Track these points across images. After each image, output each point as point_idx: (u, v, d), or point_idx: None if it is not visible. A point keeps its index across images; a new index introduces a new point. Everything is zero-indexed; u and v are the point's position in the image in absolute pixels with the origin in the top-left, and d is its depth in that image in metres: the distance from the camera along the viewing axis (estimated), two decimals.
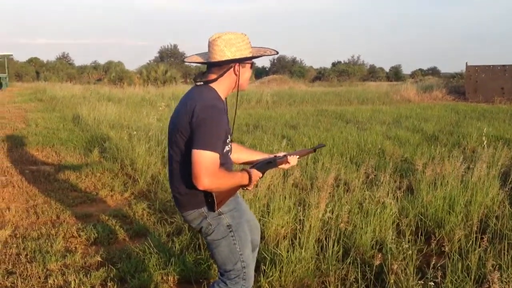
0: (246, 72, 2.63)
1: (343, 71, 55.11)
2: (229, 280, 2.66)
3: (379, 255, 3.51)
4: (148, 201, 5.78)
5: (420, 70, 64.42)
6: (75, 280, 3.68)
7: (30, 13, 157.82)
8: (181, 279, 3.79)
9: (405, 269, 3.53)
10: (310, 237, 3.96)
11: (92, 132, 10.79)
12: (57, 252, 4.26)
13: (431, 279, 3.29)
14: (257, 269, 3.51)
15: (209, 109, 2.44)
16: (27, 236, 4.69)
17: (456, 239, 4.10)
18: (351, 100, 22.89)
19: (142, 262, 3.98)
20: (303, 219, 4.18)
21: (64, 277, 3.77)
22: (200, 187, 2.39)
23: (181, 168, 2.54)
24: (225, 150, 2.57)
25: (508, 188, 5.33)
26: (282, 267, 3.69)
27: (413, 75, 56.43)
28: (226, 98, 2.68)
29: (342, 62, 65.53)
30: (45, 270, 3.91)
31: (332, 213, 4.35)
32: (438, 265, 3.53)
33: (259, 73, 56.64)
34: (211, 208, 2.53)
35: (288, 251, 3.79)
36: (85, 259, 4.14)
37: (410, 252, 3.69)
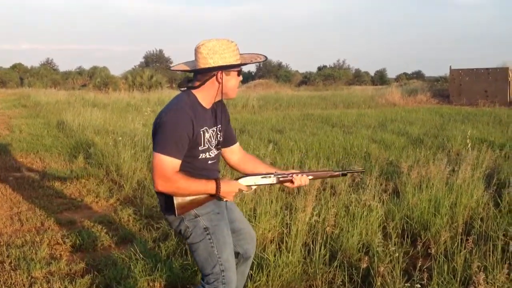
0: (231, 80, 2.58)
1: (329, 75, 55.28)
2: (208, 285, 2.63)
3: (366, 258, 3.52)
4: (134, 207, 5.74)
5: (405, 74, 64.89)
6: None
7: (13, 19, 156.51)
8: (167, 285, 3.77)
9: (391, 271, 3.55)
10: (297, 241, 3.96)
11: (77, 138, 10.70)
12: (42, 259, 4.20)
13: (418, 281, 3.30)
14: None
15: (172, 112, 2.48)
16: (11, 243, 4.62)
17: (442, 241, 4.12)
18: (336, 104, 22.99)
19: (128, 268, 3.95)
20: (290, 223, 4.18)
21: (49, 284, 3.72)
22: (155, 189, 2.47)
23: None
24: (200, 157, 2.58)
25: (493, 190, 5.38)
26: (269, 271, 3.68)
27: (398, 79, 56.86)
28: (216, 104, 2.68)
29: (328, 66, 65.78)
30: (29, 278, 3.86)
31: (319, 217, 4.35)
32: (424, 267, 3.55)
33: (245, 78, 56.60)
34: (172, 212, 2.53)
35: (275, 255, 3.79)
36: (70, 266, 4.09)
37: (396, 254, 3.70)
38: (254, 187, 2.73)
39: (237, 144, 2.91)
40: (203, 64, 2.51)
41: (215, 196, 2.59)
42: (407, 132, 11.74)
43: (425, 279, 3.31)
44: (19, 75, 53.72)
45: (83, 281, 3.76)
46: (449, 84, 25.99)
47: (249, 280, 3.60)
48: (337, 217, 4.50)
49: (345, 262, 3.84)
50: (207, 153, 2.62)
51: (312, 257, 3.90)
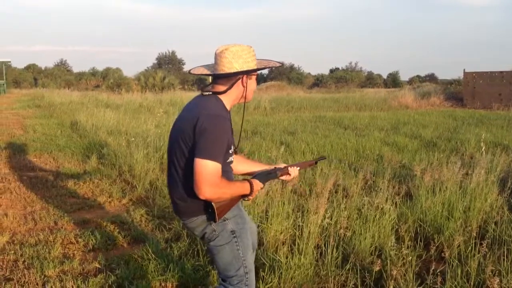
0: (252, 84, 2.67)
1: (341, 78, 55.16)
2: (232, 286, 2.65)
3: (379, 261, 3.50)
4: (146, 207, 5.76)
5: (418, 76, 64.56)
6: (73, 287, 3.66)
7: (28, 20, 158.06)
8: (179, 285, 3.77)
9: (404, 275, 3.53)
10: (309, 243, 3.94)
11: (90, 139, 10.78)
12: (55, 258, 4.24)
13: (431, 285, 3.29)
14: (256, 275, 3.49)
15: (213, 118, 2.46)
16: (24, 242, 4.66)
17: (455, 245, 4.09)
18: (349, 107, 22.92)
19: (141, 268, 3.97)
20: (302, 225, 4.17)
21: (62, 283, 3.75)
22: (201, 197, 2.40)
23: (185, 175, 2.54)
24: (228, 160, 2.59)
25: (507, 194, 5.33)
26: (281, 273, 3.68)
27: (410, 81, 56.62)
28: (244, 107, 2.74)
29: (340, 68, 65.69)
30: (42, 277, 3.89)
31: (331, 219, 4.34)
32: (438, 271, 3.52)
33: (257, 80, 56.64)
34: (212, 218, 2.52)
35: (287, 257, 3.78)
36: (83, 266, 4.12)
37: (409, 258, 3.67)
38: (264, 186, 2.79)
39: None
40: (228, 69, 2.54)
41: (245, 197, 2.63)
42: (420, 135, 11.67)
43: (438, 283, 3.29)
44: (33, 76, 54.30)
45: (95, 280, 3.78)
46: (463, 87, 25.80)
47: (261, 282, 3.60)
48: (350, 220, 4.48)
49: (358, 265, 3.82)
50: (232, 156, 2.66)
51: (324, 259, 3.88)
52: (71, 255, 4.39)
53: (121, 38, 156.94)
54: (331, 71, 65.26)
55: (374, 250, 4.16)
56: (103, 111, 15.06)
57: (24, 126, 14.19)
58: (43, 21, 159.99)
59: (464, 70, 25.47)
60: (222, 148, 2.45)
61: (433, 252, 4.07)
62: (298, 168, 2.97)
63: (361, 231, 4.26)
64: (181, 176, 2.57)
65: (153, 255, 4.12)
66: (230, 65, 2.54)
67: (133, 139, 8.90)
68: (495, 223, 4.67)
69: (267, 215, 4.54)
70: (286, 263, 3.73)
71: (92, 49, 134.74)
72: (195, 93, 33.27)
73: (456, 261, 3.71)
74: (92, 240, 4.69)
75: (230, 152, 2.59)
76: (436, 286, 3.29)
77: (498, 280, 3.13)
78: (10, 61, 45.92)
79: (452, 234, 4.44)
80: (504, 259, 3.64)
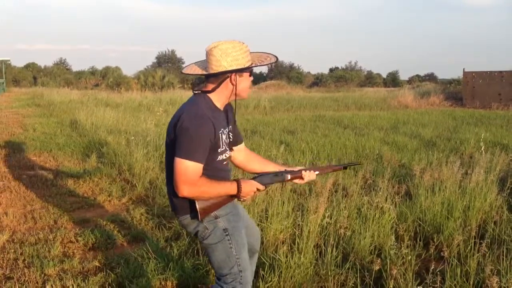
0: (244, 81, 2.60)
1: (341, 77, 55.12)
2: (226, 284, 2.64)
3: (378, 261, 3.51)
4: (146, 206, 5.77)
5: (417, 76, 64.54)
6: (73, 286, 3.66)
7: (28, 19, 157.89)
8: (179, 284, 3.78)
9: (404, 274, 3.54)
10: (309, 242, 3.95)
11: (90, 137, 10.78)
12: (55, 257, 4.24)
13: (430, 284, 3.29)
14: (256, 274, 3.50)
15: (194, 118, 2.45)
16: (24, 241, 4.67)
17: (455, 244, 4.10)
18: (348, 106, 22.92)
19: (141, 267, 3.97)
20: (302, 224, 4.17)
21: (62, 282, 3.75)
22: (179, 195, 2.44)
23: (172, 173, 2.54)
24: (218, 159, 2.58)
25: (506, 194, 5.34)
26: (281, 272, 3.68)
27: (410, 81, 56.61)
28: (227, 105, 2.71)
29: (340, 68, 65.60)
30: (42, 275, 3.89)
31: (331, 218, 4.35)
32: (437, 270, 3.53)
33: (256, 79, 56.62)
34: (195, 216, 2.52)
35: (286, 256, 3.78)
36: (83, 264, 4.12)
37: (409, 257, 3.68)
38: (267, 187, 2.74)
39: (243, 143, 2.93)
40: (216, 67, 2.51)
41: (235, 197, 2.60)
42: (420, 134, 11.68)
43: (438, 282, 3.29)
44: (32, 74, 54.20)
45: (95, 279, 3.79)
46: (462, 87, 25.81)
47: (260, 281, 3.61)
48: (349, 219, 4.49)
49: (357, 264, 3.83)
50: (224, 155, 2.63)
51: (324, 258, 3.89)
52: (71, 254, 4.40)
53: (121, 37, 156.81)
54: (331, 70, 65.21)
55: (373, 249, 4.17)
56: (103, 110, 15.06)
57: (23, 125, 14.18)
58: (42, 20, 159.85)
59: (463, 69, 25.50)
60: (202, 148, 2.44)
61: (432, 251, 4.07)
62: (317, 172, 2.88)
63: (360, 230, 4.27)
64: (170, 173, 2.57)
65: (153, 254, 4.12)
66: (218, 64, 2.49)
67: (132, 138, 8.90)
68: (495, 223, 4.68)
69: (266, 214, 4.54)
70: (286, 262, 3.74)
71: (91, 48, 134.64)
72: None
73: (456, 261, 3.71)
74: (92, 239, 4.69)
75: (220, 151, 2.58)
76: (435, 285, 3.29)
77: (498, 280, 3.13)
78: (9, 60, 45.91)
79: (451, 234, 4.45)
80: (503, 259, 3.65)
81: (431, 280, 3.31)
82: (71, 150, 9.59)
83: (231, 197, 2.59)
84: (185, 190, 2.42)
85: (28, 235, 4.85)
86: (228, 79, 2.55)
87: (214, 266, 2.69)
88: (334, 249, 3.92)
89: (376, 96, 26.98)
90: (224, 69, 2.50)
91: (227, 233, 2.62)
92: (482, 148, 6.80)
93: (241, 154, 2.89)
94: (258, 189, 2.68)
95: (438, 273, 3.44)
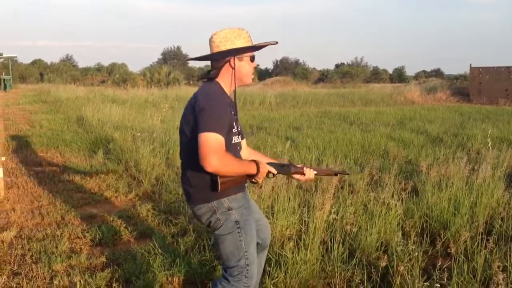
0: (245, 65, 2.67)
1: (347, 73, 55.04)
2: (232, 277, 2.67)
3: (385, 257, 3.50)
4: (153, 202, 5.78)
5: (424, 71, 64.34)
6: (80, 281, 3.68)
7: (34, 15, 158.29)
8: (186, 280, 3.79)
9: (410, 270, 3.53)
10: (315, 238, 3.95)
11: (96, 134, 10.81)
12: (62, 253, 4.26)
13: (437, 280, 3.28)
14: (263, 270, 3.51)
15: (210, 98, 2.54)
16: (32, 237, 4.69)
17: (462, 240, 4.09)
18: (354, 102, 22.87)
19: (147, 263, 3.98)
20: (308, 221, 4.17)
21: (69, 278, 3.77)
22: (208, 168, 2.40)
23: (191, 160, 2.57)
24: (233, 141, 2.63)
25: None
26: (287, 268, 3.68)
27: (416, 76, 56.36)
28: (234, 93, 2.77)
29: (346, 63, 65.54)
30: (50, 271, 3.91)
31: (337, 215, 4.34)
32: (444, 266, 3.52)
33: (262, 75, 56.68)
34: (214, 187, 2.52)
35: (293, 253, 3.79)
36: (90, 260, 4.14)
37: (416, 253, 3.67)
38: (276, 174, 2.79)
39: (245, 140, 2.97)
40: (215, 51, 2.62)
41: (252, 177, 2.63)
42: (426, 130, 11.64)
43: (445, 279, 3.28)
44: (39, 71, 54.43)
45: (103, 274, 3.80)
46: (469, 83, 25.71)
47: (267, 277, 3.61)
48: (355, 215, 4.49)
49: (364, 260, 3.83)
50: (237, 137, 2.68)
51: (330, 255, 3.89)
52: (78, 249, 4.42)
53: (127, 33, 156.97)
54: (337, 66, 65.14)
55: (380, 246, 4.16)
56: (109, 106, 15.08)
57: (30, 121, 14.24)
58: (48, 16, 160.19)
59: (470, 65, 25.41)
60: (222, 124, 2.48)
61: (439, 247, 4.07)
62: (315, 172, 2.94)
63: (367, 226, 4.27)
64: (188, 161, 2.62)
65: (159, 250, 4.13)
66: (217, 49, 2.60)
67: (139, 134, 8.93)
68: (502, 219, 4.66)
69: (273, 210, 4.55)
70: (292, 259, 3.74)
71: (97, 44, 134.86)
72: None
73: (463, 257, 3.71)
74: (99, 234, 4.71)
75: (234, 131, 2.63)
76: (442, 282, 3.29)
77: (505, 276, 3.12)
78: (16, 56, 46.09)
79: (458, 230, 4.44)
80: (510, 255, 3.62)
81: (438, 277, 3.30)
82: (78, 146, 9.63)
83: (248, 177, 2.63)
84: (214, 161, 2.39)
85: (35, 231, 4.87)
86: (228, 63, 2.63)
87: (222, 257, 2.71)
88: (341, 245, 3.92)
89: (382, 92, 26.89)
90: (220, 51, 2.60)
91: (238, 225, 2.65)
92: (489, 144, 6.77)
93: (244, 151, 2.91)
94: (269, 172, 2.72)
95: (445, 269, 3.43)
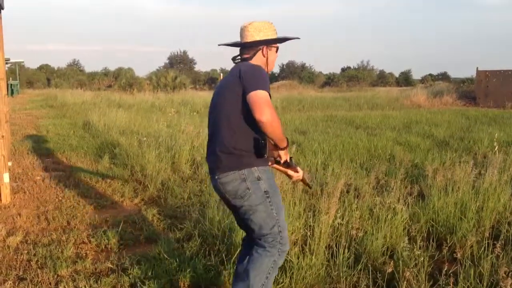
0: (272, 55, 3.03)
1: (353, 77, 54.94)
2: (267, 244, 2.84)
3: (391, 262, 3.49)
4: (158, 207, 5.79)
5: (430, 75, 64.16)
6: (85, 286, 3.68)
7: (41, 20, 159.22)
8: (191, 285, 3.79)
9: (416, 276, 3.51)
10: (321, 243, 3.94)
11: (103, 138, 10.84)
12: (68, 258, 4.27)
13: (443, 286, 3.27)
14: None
15: (254, 66, 2.83)
16: (38, 242, 4.70)
17: (468, 245, 4.07)
18: (360, 106, 22.84)
19: (153, 268, 3.98)
20: (313, 225, 4.16)
21: (74, 283, 3.78)
22: (264, 119, 2.59)
23: (232, 128, 2.79)
24: None
25: None
26: (293, 273, 3.67)
27: (423, 80, 56.26)
28: None
29: (352, 67, 65.42)
30: (55, 276, 3.92)
31: (343, 219, 4.33)
32: (450, 271, 3.50)
33: (269, 79, 56.60)
34: (261, 151, 2.74)
35: (298, 258, 3.78)
36: (96, 265, 4.15)
37: (422, 258, 3.65)
38: (285, 162, 3.02)
39: None
40: (251, 39, 2.93)
41: (280, 149, 2.89)
42: (433, 134, 11.60)
43: (451, 284, 3.26)
44: (46, 76, 54.72)
45: (108, 280, 3.80)
46: (476, 86, 25.62)
47: (272, 282, 3.60)
48: (361, 220, 4.47)
49: (369, 265, 3.81)
50: None
51: (335, 260, 3.87)
52: (84, 255, 4.42)
53: (133, 37, 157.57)
54: (343, 70, 65.05)
55: (386, 251, 4.14)
56: (115, 111, 15.14)
57: (37, 126, 14.31)
58: (56, 21, 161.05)
59: (477, 68, 25.35)
60: (267, 86, 2.70)
61: (445, 252, 4.04)
62: (301, 177, 3.17)
63: (372, 231, 4.25)
64: (228, 128, 2.80)
65: (165, 255, 4.13)
66: (252, 38, 2.93)
67: (145, 139, 8.94)
68: (509, 224, 4.64)
69: None
70: (297, 264, 3.73)
71: (104, 49, 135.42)
72: (206, 93, 32.95)
73: (469, 262, 3.68)
74: (104, 240, 4.71)
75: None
76: (448, 287, 3.27)
77: None
78: (23, 61, 46.37)
79: (464, 235, 4.41)
80: None
81: (444, 282, 3.29)
82: (84, 151, 9.66)
83: (276, 148, 2.88)
84: (269, 113, 2.60)
85: (41, 236, 4.88)
86: (260, 51, 2.97)
87: (255, 227, 2.86)
88: (346, 250, 3.91)
89: (389, 96, 26.85)
90: (256, 40, 2.92)
91: (268, 195, 2.82)
92: (496, 148, 6.73)
93: None
94: (285, 159, 2.99)
95: (451, 274, 3.41)
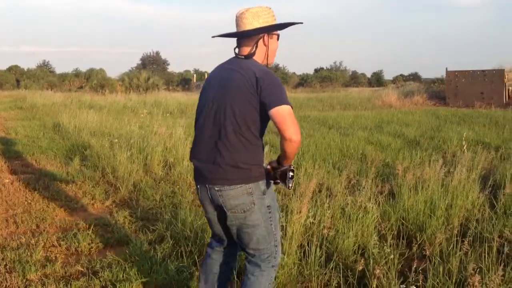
0: (274, 43, 2.72)
1: (326, 77, 55.37)
2: (262, 262, 2.72)
3: (362, 260, 3.52)
4: (130, 209, 5.73)
5: (402, 75, 64.96)
6: None
7: (10, 21, 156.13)
8: (163, 287, 3.76)
9: (387, 273, 3.55)
10: (293, 242, 3.95)
11: (73, 140, 10.68)
12: (37, 262, 4.19)
13: (413, 282, 3.31)
14: (239, 276, 3.51)
15: (271, 73, 2.58)
16: (6, 246, 4.61)
17: (437, 242, 4.13)
18: (333, 106, 23.03)
19: (124, 270, 3.94)
20: (286, 225, 4.18)
21: (44, 287, 3.72)
22: (295, 137, 2.51)
23: (243, 139, 2.59)
24: None
25: (488, 192, 5.39)
26: None
27: (394, 80, 56.91)
28: None
29: (325, 68, 65.94)
30: (24, 280, 3.85)
31: (315, 218, 4.35)
32: (420, 268, 3.55)
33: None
34: (288, 184, 2.64)
35: None
36: (66, 269, 4.08)
37: (392, 256, 3.70)
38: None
39: None
40: (249, 27, 2.61)
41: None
42: (403, 133, 11.77)
43: (421, 281, 3.32)
44: (15, 77, 53.57)
45: (78, 283, 3.75)
46: (445, 86, 26.04)
47: None
48: (333, 219, 4.50)
49: (341, 264, 3.85)
50: None
51: (307, 259, 3.89)
52: (54, 258, 4.35)
53: (105, 38, 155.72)
54: (316, 70, 65.49)
55: (357, 249, 4.18)
56: (86, 113, 14.91)
57: (5, 128, 14.01)
58: (25, 22, 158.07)
59: (446, 69, 25.75)
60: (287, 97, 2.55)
61: (415, 250, 4.10)
62: None
63: (344, 230, 4.28)
64: (239, 140, 2.59)
65: (136, 257, 4.10)
66: (251, 25, 2.60)
67: (116, 140, 8.84)
68: (477, 221, 4.72)
69: None
70: None
71: (75, 50, 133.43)
72: (179, 94, 32.65)
73: (438, 259, 3.74)
74: (74, 243, 4.64)
75: None
76: (418, 284, 3.32)
77: (480, 278, 3.16)
78: None
79: (434, 232, 4.48)
80: (485, 256, 3.67)
81: (413, 279, 3.34)
82: (54, 153, 9.49)
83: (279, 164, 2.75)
84: (298, 131, 2.53)
85: (9, 239, 4.79)
86: (261, 40, 2.66)
87: (251, 242, 2.70)
88: (318, 249, 3.93)
89: (361, 96, 27.14)
90: (256, 28, 2.61)
91: (269, 210, 2.72)
92: (465, 146, 6.87)
93: None
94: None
95: (421, 271, 3.47)
